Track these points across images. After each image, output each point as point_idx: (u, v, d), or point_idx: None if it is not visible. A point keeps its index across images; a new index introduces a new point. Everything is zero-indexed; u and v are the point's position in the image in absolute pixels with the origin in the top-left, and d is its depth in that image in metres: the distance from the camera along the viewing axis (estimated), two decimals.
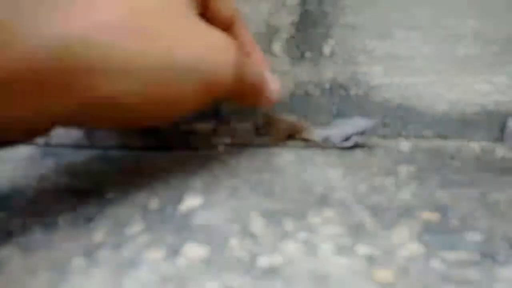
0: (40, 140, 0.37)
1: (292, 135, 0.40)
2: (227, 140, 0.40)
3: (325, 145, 0.40)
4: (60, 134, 0.37)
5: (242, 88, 0.25)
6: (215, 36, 0.23)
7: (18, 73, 0.15)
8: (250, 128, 0.40)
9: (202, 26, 0.22)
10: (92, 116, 0.19)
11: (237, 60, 0.23)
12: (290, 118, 0.40)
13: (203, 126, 0.39)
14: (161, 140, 0.38)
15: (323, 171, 0.32)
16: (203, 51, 0.21)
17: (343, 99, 0.46)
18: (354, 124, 0.40)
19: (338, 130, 0.40)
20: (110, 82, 0.18)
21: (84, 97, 0.18)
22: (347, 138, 0.39)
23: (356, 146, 0.40)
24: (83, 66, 0.17)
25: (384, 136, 0.47)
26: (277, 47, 0.43)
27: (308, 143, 0.40)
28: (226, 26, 0.29)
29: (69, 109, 0.18)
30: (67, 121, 0.20)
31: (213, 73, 0.22)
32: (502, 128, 0.48)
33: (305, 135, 0.39)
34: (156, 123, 0.26)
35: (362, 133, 0.40)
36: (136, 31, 0.18)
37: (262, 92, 0.29)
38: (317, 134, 0.40)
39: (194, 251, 0.19)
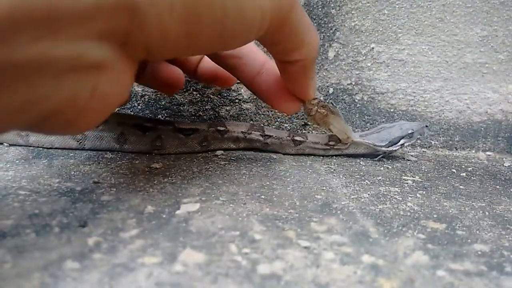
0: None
1: (334, 139, 0.40)
2: (260, 145, 0.41)
3: (369, 150, 0.40)
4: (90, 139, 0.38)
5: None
6: None
7: None
8: (286, 136, 0.41)
9: None
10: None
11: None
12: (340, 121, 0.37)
13: (237, 129, 0.41)
14: (202, 145, 0.40)
15: (325, 178, 0.33)
16: None
17: (347, 104, 0.47)
18: (400, 127, 0.41)
19: (383, 133, 0.41)
20: None
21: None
22: (393, 143, 0.40)
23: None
24: None
25: None
26: None
27: (347, 149, 0.40)
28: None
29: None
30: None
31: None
32: (510, 138, 0.48)
33: (346, 139, 0.39)
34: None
35: (410, 136, 0.40)
36: None
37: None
38: (359, 138, 0.40)
39: (191, 257, 0.19)
